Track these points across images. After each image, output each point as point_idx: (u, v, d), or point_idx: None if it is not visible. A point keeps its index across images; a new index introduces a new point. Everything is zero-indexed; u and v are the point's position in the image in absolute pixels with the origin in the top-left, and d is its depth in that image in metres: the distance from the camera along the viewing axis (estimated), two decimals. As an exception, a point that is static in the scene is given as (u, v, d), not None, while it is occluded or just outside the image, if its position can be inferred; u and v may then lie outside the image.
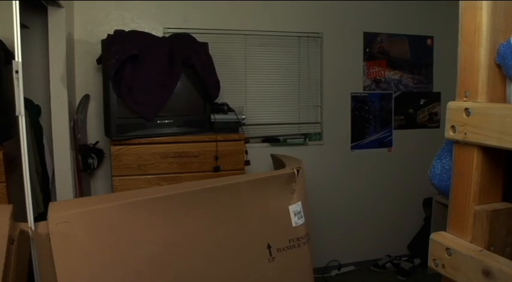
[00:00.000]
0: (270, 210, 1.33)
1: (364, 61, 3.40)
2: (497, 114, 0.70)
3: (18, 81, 1.14)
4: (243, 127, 2.76)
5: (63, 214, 0.99)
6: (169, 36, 2.68)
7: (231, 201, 1.27)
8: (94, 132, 2.81)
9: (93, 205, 1.07)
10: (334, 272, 3.37)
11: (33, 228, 0.99)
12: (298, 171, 1.37)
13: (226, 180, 1.38)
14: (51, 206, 1.00)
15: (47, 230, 0.96)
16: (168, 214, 1.15)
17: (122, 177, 2.36)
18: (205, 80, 2.51)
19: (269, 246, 1.29)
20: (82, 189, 2.53)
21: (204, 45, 2.62)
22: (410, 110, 3.58)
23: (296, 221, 1.35)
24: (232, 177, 1.59)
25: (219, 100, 2.74)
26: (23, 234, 0.97)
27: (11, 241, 0.92)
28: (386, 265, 3.42)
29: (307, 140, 3.33)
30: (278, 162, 1.93)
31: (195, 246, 1.18)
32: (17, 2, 1.14)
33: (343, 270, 3.40)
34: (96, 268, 1.01)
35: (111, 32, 2.47)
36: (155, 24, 2.89)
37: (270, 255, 1.29)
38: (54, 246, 0.95)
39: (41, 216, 2.05)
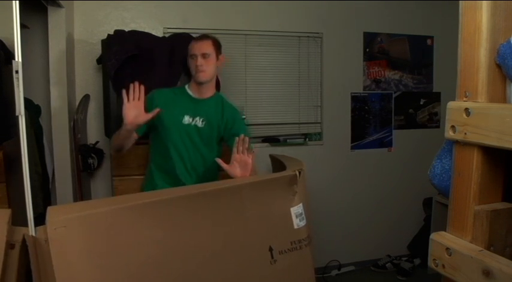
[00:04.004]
0: (272, 212, 1.32)
1: (364, 61, 3.40)
2: (497, 114, 0.70)
3: (18, 81, 1.14)
4: (243, 127, 2.75)
5: (61, 218, 0.98)
6: (169, 36, 2.68)
7: (232, 204, 1.26)
8: (94, 132, 2.81)
9: (92, 209, 1.06)
10: (334, 272, 3.37)
11: (34, 233, 0.98)
12: (299, 172, 1.36)
13: (227, 182, 1.38)
14: (49, 210, 0.99)
15: (45, 235, 0.96)
16: (168, 218, 1.14)
17: (122, 177, 2.35)
18: (205, 80, 2.50)
19: (271, 249, 1.29)
20: (82, 189, 2.52)
21: (204, 45, 2.61)
22: (411, 110, 3.58)
23: (298, 223, 1.35)
24: (233, 179, 1.58)
25: (219, 100, 2.74)
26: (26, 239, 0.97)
27: (9, 246, 0.91)
28: (387, 265, 3.42)
29: (307, 140, 3.33)
30: (277, 163, 1.92)
31: (196, 249, 1.17)
32: (17, 2, 1.14)
33: (343, 270, 3.40)
34: (96, 272, 1.01)
35: (111, 32, 2.47)
36: (155, 24, 2.89)
37: (272, 257, 1.28)
38: (53, 251, 0.94)
39: (41, 216, 2.05)
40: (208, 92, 2.02)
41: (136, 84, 1.74)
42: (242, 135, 1.72)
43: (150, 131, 1.99)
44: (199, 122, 1.96)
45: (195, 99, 2.00)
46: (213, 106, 2.01)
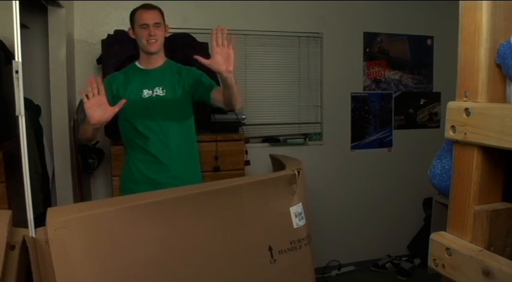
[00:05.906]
0: (271, 212, 1.32)
1: (364, 61, 3.40)
2: (497, 114, 0.70)
3: (18, 81, 1.14)
4: (243, 127, 2.76)
5: (61, 219, 0.98)
6: (169, 36, 2.67)
7: (232, 204, 1.26)
8: (94, 132, 2.80)
9: (92, 210, 1.06)
10: (334, 272, 3.37)
11: (34, 234, 0.98)
12: (298, 172, 1.36)
13: (226, 182, 1.38)
14: (49, 211, 0.99)
15: (46, 236, 0.95)
16: (168, 218, 1.14)
17: (122, 177, 2.35)
18: (205, 80, 2.50)
19: (270, 248, 1.29)
20: (82, 189, 2.53)
21: (204, 45, 2.61)
22: (411, 110, 3.58)
23: (297, 222, 1.35)
24: (233, 179, 1.58)
25: (219, 100, 2.74)
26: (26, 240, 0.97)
27: (9, 247, 0.91)
28: (387, 265, 3.42)
29: (307, 140, 3.34)
30: (277, 163, 1.93)
31: (196, 249, 1.17)
32: (17, 2, 1.14)
33: (343, 270, 3.40)
34: (96, 273, 1.01)
35: (111, 32, 2.47)
36: (155, 24, 2.88)
37: (272, 257, 1.28)
38: (53, 252, 0.94)
39: (41, 216, 2.06)
40: (159, 60, 1.98)
41: (92, 79, 1.64)
42: (218, 26, 1.63)
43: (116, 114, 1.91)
44: (159, 91, 1.91)
45: (148, 71, 1.95)
46: (167, 72, 1.97)
